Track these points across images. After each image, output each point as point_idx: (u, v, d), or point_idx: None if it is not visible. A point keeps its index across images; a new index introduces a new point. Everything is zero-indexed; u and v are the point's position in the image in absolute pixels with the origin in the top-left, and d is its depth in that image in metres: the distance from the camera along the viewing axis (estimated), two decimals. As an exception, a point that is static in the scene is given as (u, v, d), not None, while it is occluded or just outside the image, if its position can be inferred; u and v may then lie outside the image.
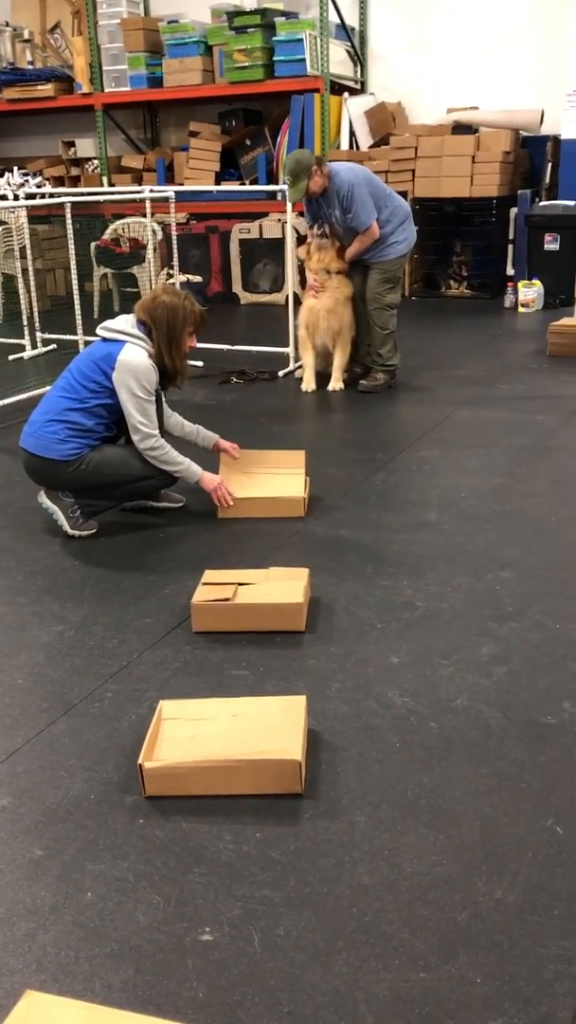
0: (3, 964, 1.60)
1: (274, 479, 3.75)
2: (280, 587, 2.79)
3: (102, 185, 9.81)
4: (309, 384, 5.49)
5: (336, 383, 5.47)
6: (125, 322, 3.39)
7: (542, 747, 2.15)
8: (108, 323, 3.42)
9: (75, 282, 5.99)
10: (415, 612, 2.82)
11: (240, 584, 2.81)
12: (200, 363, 6.25)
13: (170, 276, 7.37)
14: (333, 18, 8.78)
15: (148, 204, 6.59)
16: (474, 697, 2.35)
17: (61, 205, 5.93)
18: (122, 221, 8.52)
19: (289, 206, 6.02)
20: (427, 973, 1.56)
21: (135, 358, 3.30)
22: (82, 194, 6.61)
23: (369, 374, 5.50)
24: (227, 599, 2.73)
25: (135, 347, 3.32)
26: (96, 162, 10.33)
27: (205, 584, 2.83)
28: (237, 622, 2.71)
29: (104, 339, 3.40)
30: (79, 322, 6.02)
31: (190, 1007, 1.50)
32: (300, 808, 1.97)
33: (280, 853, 1.84)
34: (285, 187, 5.90)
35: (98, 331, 3.43)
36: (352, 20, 9.23)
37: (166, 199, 6.39)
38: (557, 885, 1.74)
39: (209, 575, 2.89)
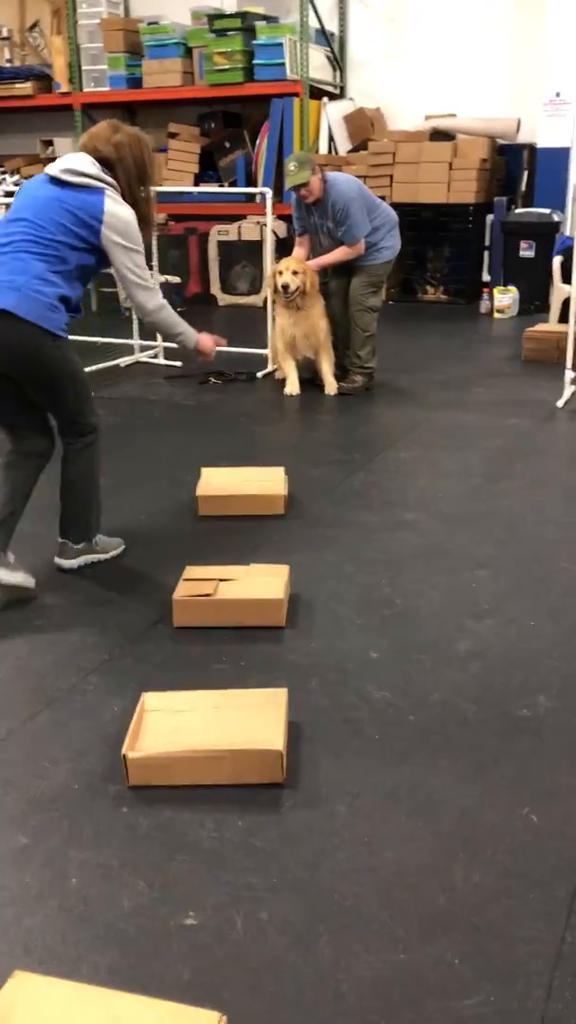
0: (-10, 949, 1.62)
1: (254, 478, 3.79)
2: (261, 583, 2.82)
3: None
4: (293, 388, 5.48)
5: (331, 388, 5.46)
6: (87, 162, 2.82)
7: (517, 738, 2.20)
8: (64, 163, 2.84)
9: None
10: (393, 609, 2.86)
11: (221, 580, 2.84)
12: (179, 363, 6.27)
13: (149, 276, 7.39)
14: (313, 23, 8.84)
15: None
16: (451, 691, 2.40)
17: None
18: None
19: (270, 208, 6.07)
20: (406, 955, 1.60)
21: (122, 208, 2.81)
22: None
23: (347, 376, 5.55)
24: (208, 595, 2.76)
25: (115, 194, 2.83)
26: (75, 162, 10.32)
27: (186, 580, 2.86)
28: (218, 617, 2.74)
29: (68, 183, 2.79)
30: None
31: (175, 988, 1.53)
32: (281, 797, 2.01)
33: (262, 841, 1.88)
34: (267, 191, 5.95)
35: (56, 172, 2.81)
36: (332, 26, 9.29)
37: (146, 199, 6.39)
38: (532, 870, 1.79)
39: (190, 571, 2.93)
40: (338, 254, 5.30)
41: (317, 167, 5.15)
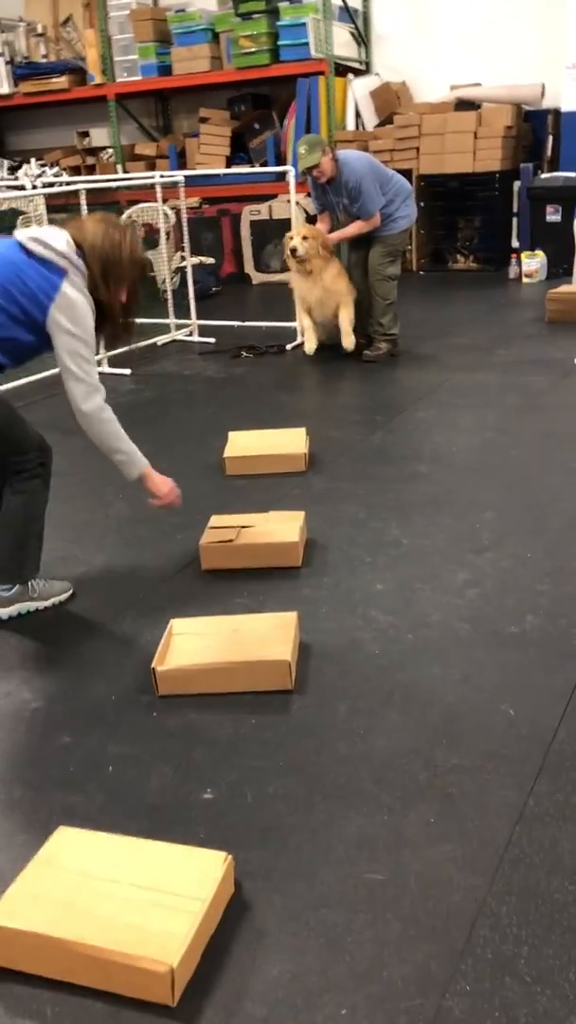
0: (38, 819, 1.94)
1: (276, 438, 4.06)
2: (278, 528, 3.10)
3: (116, 173, 10.11)
4: (311, 345, 5.84)
5: (348, 342, 5.72)
6: (60, 239, 2.59)
7: (504, 651, 2.45)
8: (40, 233, 2.61)
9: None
10: (401, 549, 3.12)
11: (243, 527, 3.13)
12: (212, 339, 6.56)
13: (183, 259, 7.68)
14: (337, 1, 9.00)
15: (159, 189, 6.88)
16: (447, 614, 2.66)
17: (76, 193, 6.24)
18: (136, 207, 8.84)
19: (293, 185, 6.30)
20: (389, 816, 1.88)
21: (79, 295, 2.56)
22: (95, 181, 6.90)
23: (372, 344, 5.78)
24: (231, 540, 3.05)
25: (77, 278, 2.56)
26: (110, 151, 10.64)
27: (212, 528, 3.16)
28: (241, 560, 3.03)
29: (32, 253, 2.56)
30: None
31: (194, 844, 1.83)
32: (290, 701, 2.29)
33: (272, 734, 2.17)
34: (292, 169, 6.19)
35: (26, 240, 2.58)
36: (355, 2, 9.42)
37: (175, 184, 6.68)
38: (506, 751, 2.05)
39: (215, 520, 3.22)
40: (355, 228, 5.52)
41: (327, 148, 5.38)
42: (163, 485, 2.85)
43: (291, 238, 5.56)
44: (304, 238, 5.50)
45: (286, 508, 3.46)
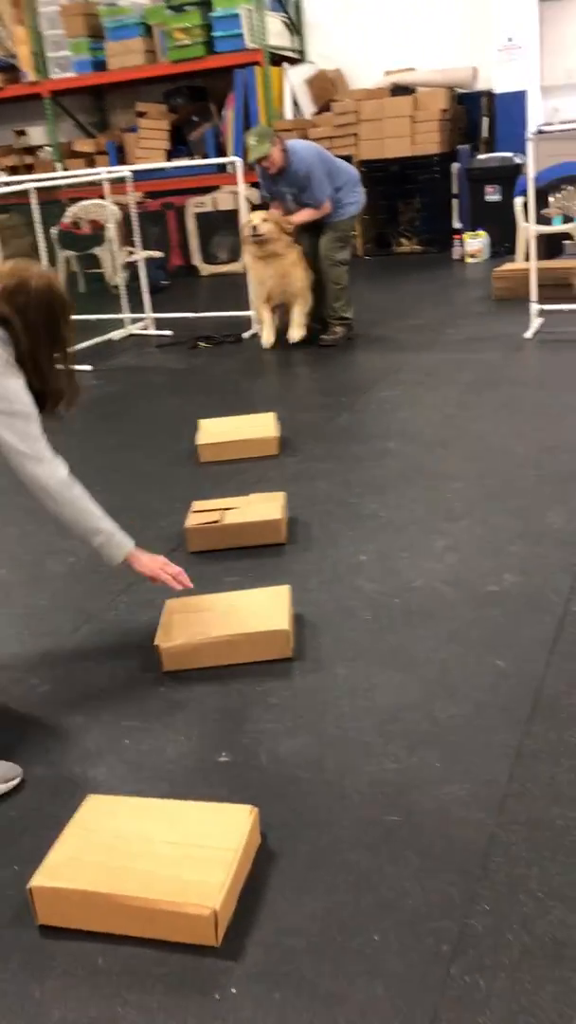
0: (63, 792, 2.02)
1: (247, 423, 4.16)
2: (261, 508, 3.21)
3: (55, 171, 10.07)
4: (269, 339, 5.92)
5: (297, 330, 5.84)
6: None
7: (487, 608, 2.59)
8: None
9: (49, 264, 6.30)
10: (379, 521, 3.25)
11: (226, 509, 3.23)
12: (169, 332, 6.62)
13: (131, 253, 7.72)
14: (267, -9, 9.07)
15: (106, 185, 6.90)
16: (430, 578, 2.79)
17: (23, 193, 6.25)
18: (80, 204, 8.83)
19: (241, 176, 6.38)
20: (397, 764, 2.00)
21: (4, 368, 2.21)
22: (44, 179, 6.91)
23: (328, 329, 5.89)
24: (216, 522, 3.15)
25: (1, 352, 2.22)
26: (48, 148, 10.59)
27: (195, 512, 3.25)
28: (226, 540, 3.13)
29: None
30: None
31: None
32: (291, 668, 2.41)
33: (278, 699, 2.28)
34: (238, 160, 6.27)
35: None
36: (286, -9, 9.51)
37: (123, 179, 6.72)
38: (498, 699, 2.19)
39: (197, 504, 3.31)
40: (306, 214, 5.63)
41: (277, 138, 5.47)
42: (152, 564, 2.46)
43: (250, 221, 5.65)
44: (264, 220, 5.60)
45: (263, 489, 3.56)
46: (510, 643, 2.41)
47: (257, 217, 5.64)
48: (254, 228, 5.58)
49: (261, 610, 2.54)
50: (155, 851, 1.72)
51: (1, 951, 1.64)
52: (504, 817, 1.82)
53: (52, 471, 2.27)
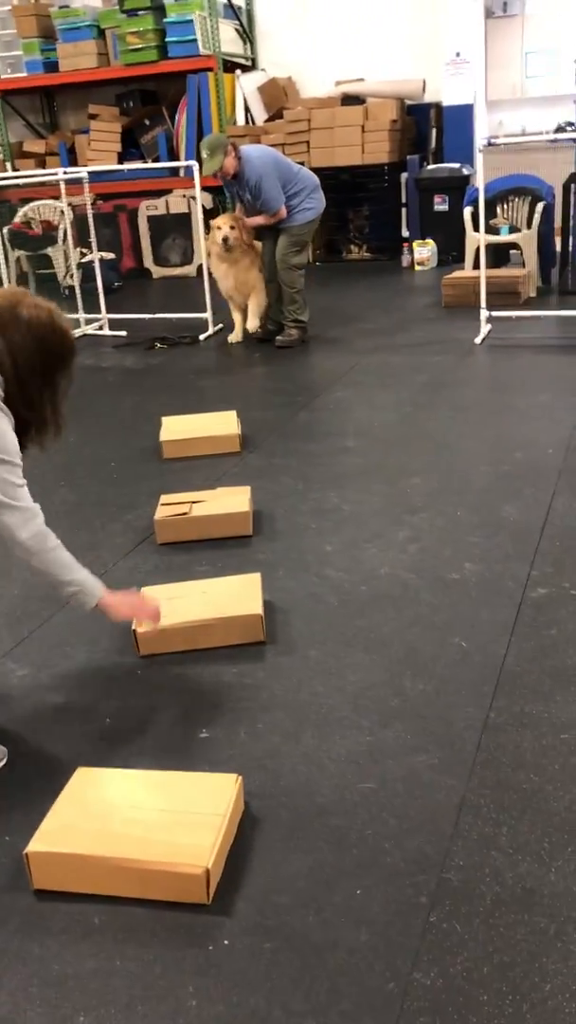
0: (49, 768, 2.09)
1: (209, 421, 4.25)
2: (228, 501, 3.30)
3: (5, 171, 10.03)
4: (236, 336, 6.15)
5: (252, 324, 6.07)
6: None
7: (449, 594, 2.72)
8: None
9: (4, 264, 6.31)
10: (342, 514, 3.36)
11: (194, 502, 3.31)
12: (124, 332, 6.67)
13: (84, 255, 7.74)
14: (220, -2, 9.18)
15: (63, 186, 6.93)
16: (394, 566, 2.91)
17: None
18: (31, 204, 8.82)
19: (198, 180, 6.47)
20: (371, 737, 2.11)
21: None
22: (1, 179, 6.89)
23: (283, 331, 6.01)
24: (185, 514, 3.23)
25: None
26: (-2, 148, 10.53)
27: (163, 504, 3.33)
28: (194, 532, 3.21)
29: None
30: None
31: (199, 775, 2.02)
32: (264, 651, 2.50)
33: (253, 680, 2.37)
34: (193, 164, 6.36)
35: None
36: (238, -1, 9.63)
37: (80, 180, 6.75)
38: (464, 676, 2.31)
39: (165, 498, 3.39)
40: (259, 219, 5.78)
41: (229, 147, 5.59)
42: (126, 605, 2.33)
43: (219, 227, 5.77)
44: (232, 227, 5.73)
45: (227, 484, 3.65)
46: (472, 626, 2.54)
47: (225, 225, 5.77)
48: (224, 239, 5.73)
49: (234, 596, 2.63)
50: (146, 817, 1.80)
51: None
52: (474, 782, 1.94)
53: (25, 521, 2.10)
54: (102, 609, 2.26)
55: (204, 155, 5.59)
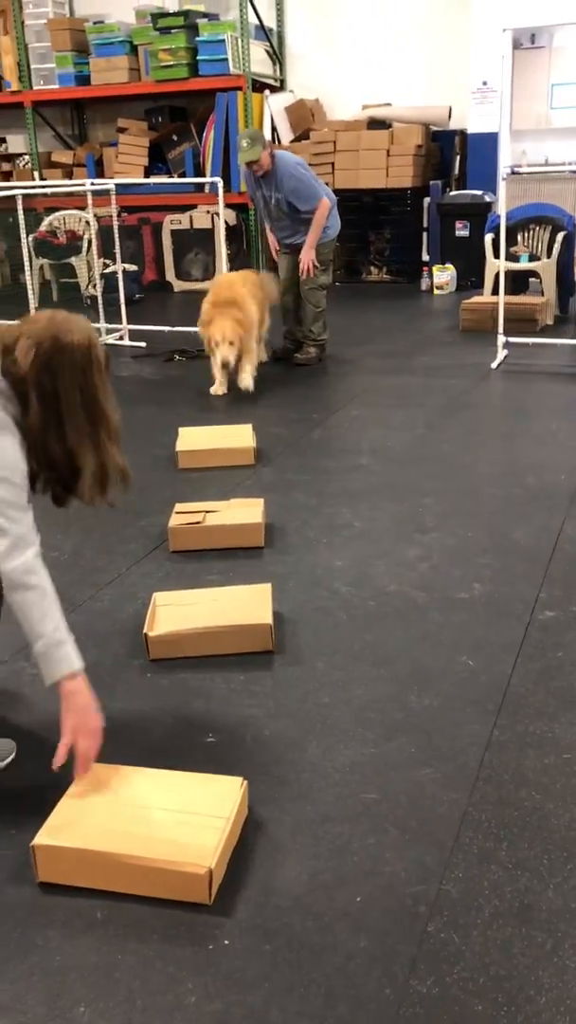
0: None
1: (225, 433, 4.30)
2: (242, 512, 3.34)
3: (33, 180, 10.16)
4: (220, 388, 5.35)
5: (247, 381, 5.31)
6: None
7: (457, 613, 2.75)
8: None
9: (28, 272, 6.40)
10: (353, 530, 3.40)
11: (207, 512, 3.35)
12: (143, 343, 6.74)
13: (107, 265, 7.83)
14: (252, 19, 9.31)
15: (90, 197, 7.02)
16: (403, 584, 2.94)
17: (2, 199, 6.33)
18: (58, 214, 8.93)
19: (222, 197, 6.55)
20: (375, 749, 2.14)
21: None
22: (31, 187, 7.01)
23: (302, 348, 6.06)
24: (198, 523, 3.26)
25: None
26: (27, 158, 10.67)
27: (177, 513, 3.37)
28: (207, 541, 3.25)
29: None
30: (32, 309, 6.45)
31: (204, 778, 2.04)
32: (272, 660, 2.53)
33: (260, 688, 2.40)
34: (219, 180, 6.42)
35: None
36: (270, 21, 9.77)
37: (106, 192, 6.85)
38: (469, 694, 2.33)
39: (180, 507, 3.43)
40: (316, 226, 5.72)
41: (267, 143, 5.67)
42: (78, 713, 1.91)
43: (218, 344, 5.16)
44: (231, 343, 5.13)
45: (240, 496, 3.68)
46: (479, 645, 2.57)
47: (224, 343, 5.13)
48: (225, 364, 5.19)
49: (244, 605, 2.67)
50: (151, 816, 1.83)
51: (3, 905, 1.73)
52: (476, 797, 1.96)
53: (13, 550, 1.85)
54: (61, 691, 1.90)
55: (243, 143, 5.56)
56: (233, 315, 5.17)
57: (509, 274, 6.88)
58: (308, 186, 5.67)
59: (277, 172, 5.63)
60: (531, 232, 7.26)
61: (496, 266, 6.94)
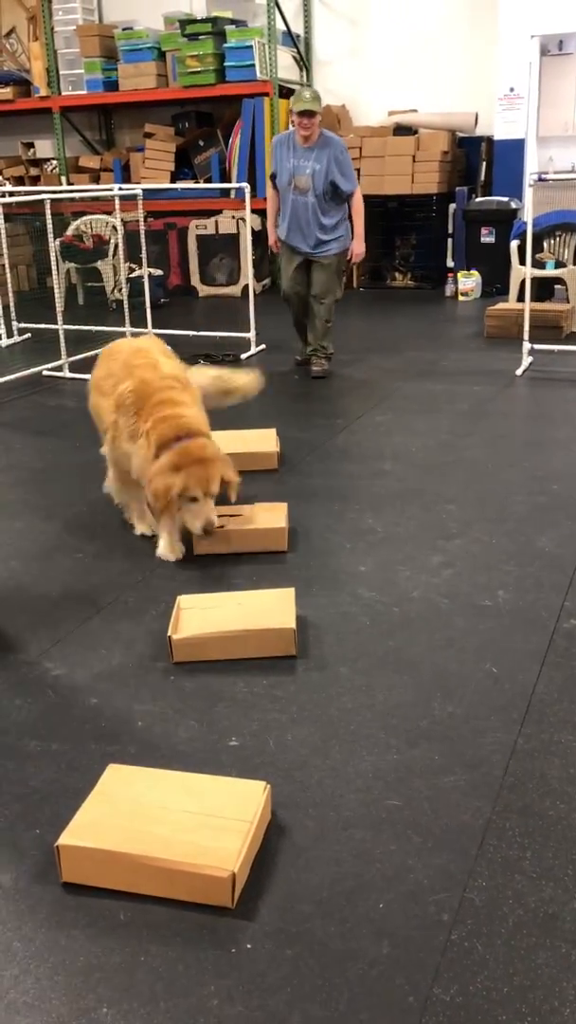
0: (80, 766, 2.13)
1: (248, 437, 4.30)
2: (265, 516, 3.34)
3: (61, 185, 10.24)
4: (173, 553, 3.26)
5: (144, 527, 3.48)
6: None
7: (481, 620, 2.74)
8: None
9: (56, 275, 6.43)
10: (377, 536, 3.39)
11: (231, 516, 3.35)
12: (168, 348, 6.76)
13: (132, 270, 7.87)
14: (280, 26, 9.34)
15: (117, 202, 7.06)
16: (427, 590, 2.94)
17: (27, 203, 6.38)
18: (85, 218, 8.99)
19: (248, 202, 6.56)
20: (398, 755, 2.13)
21: None
22: (60, 191, 7.06)
23: (315, 361, 5.88)
24: (223, 527, 3.27)
25: None
26: (55, 162, 10.76)
27: (201, 516, 3.36)
28: (231, 545, 3.25)
29: None
30: (59, 312, 6.48)
31: (227, 782, 2.04)
32: (296, 665, 2.53)
33: (283, 692, 2.40)
34: (245, 185, 6.38)
35: None
36: (297, 28, 9.79)
37: (133, 197, 6.89)
38: (493, 702, 2.32)
39: (204, 510, 3.43)
40: (359, 216, 5.68)
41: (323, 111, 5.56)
42: None
43: (197, 516, 3.12)
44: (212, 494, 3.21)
45: (264, 501, 3.68)
46: (504, 652, 2.56)
47: (213, 515, 3.11)
48: (206, 529, 3.11)
49: (268, 609, 2.67)
50: (174, 818, 1.83)
51: (28, 904, 1.74)
52: (500, 806, 1.95)
53: None
54: None
55: (307, 95, 5.41)
56: (200, 440, 3.25)
57: (535, 281, 6.86)
58: (352, 167, 5.61)
59: (328, 142, 5.52)
60: (557, 239, 7.23)
61: (522, 273, 6.93)
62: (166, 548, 3.25)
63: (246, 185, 6.67)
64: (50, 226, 6.29)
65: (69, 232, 8.95)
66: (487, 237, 8.73)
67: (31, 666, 2.58)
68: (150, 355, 3.49)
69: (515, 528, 3.41)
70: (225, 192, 9.25)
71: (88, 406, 3.59)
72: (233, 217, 9.18)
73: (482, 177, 9.41)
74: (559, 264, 7.14)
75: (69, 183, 10.28)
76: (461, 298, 8.71)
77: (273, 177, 5.80)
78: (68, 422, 5.05)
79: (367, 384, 5.68)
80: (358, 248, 5.79)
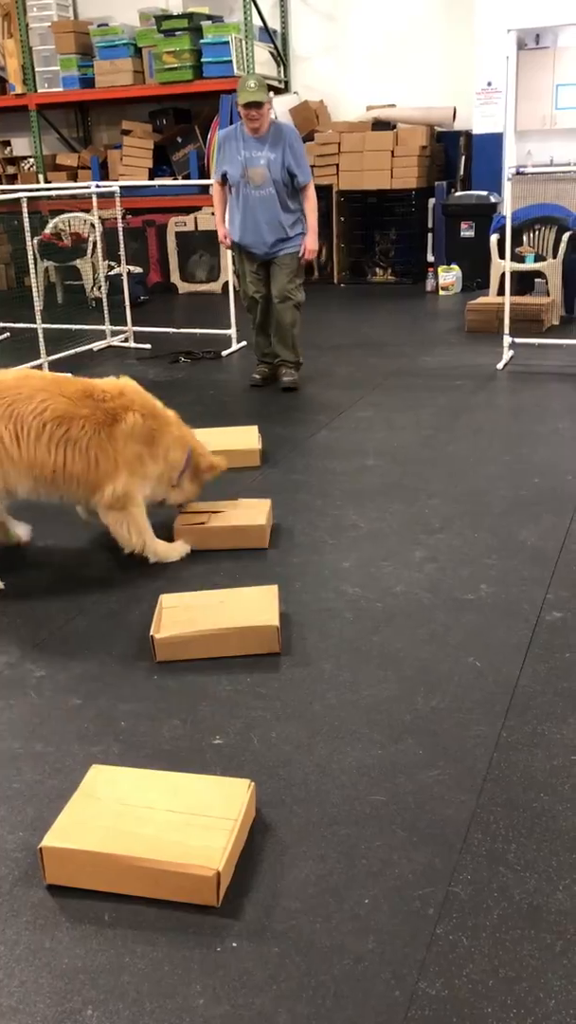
0: (64, 767, 2.11)
1: (230, 435, 4.29)
2: (247, 513, 3.34)
3: (38, 183, 10.18)
4: (175, 551, 3.20)
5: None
6: None
7: (464, 614, 2.74)
8: None
9: (34, 274, 6.37)
10: (360, 531, 3.39)
11: (213, 512, 3.34)
12: (148, 345, 6.74)
13: (111, 267, 7.83)
14: (256, 21, 9.31)
15: (94, 199, 7.03)
16: (410, 585, 2.94)
17: (7, 202, 6.33)
18: (63, 216, 8.94)
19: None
20: (382, 750, 2.13)
21: None
22: (37, 190, 7.01)
23: (284, 371, 5.50)
24: (203, 523, 3.26)
25: None
26: (31, 160, 10.69)
27: (183, 513, 3.36)
28: (212, 541, 3.24)
29: None
30: (38, 311, 6.44)
31: (212, 780, 2.04)
32: (279, 662, 2.52)
33: (267, 689, 2.40)
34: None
35: None
36: (274, 23, 9.77)
37: (111, 194, 6.85)
38: (477, 695, 2.33)
39: (186, 507, 3.42)
40: (312, 211, 5.18)
41: (272, 98, 5.24)
42: None
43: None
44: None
45: (247, 498, 3.68)
46: (487, 646, 2.56)
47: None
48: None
49: (251, 606, 2.66)
50: (158, 818, 1.82)
51: (12, 907, 1.73)
52: (484, 799, 1.95)
53: None
54: None
55: (250, 84, 4.95)
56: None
57: (515, 275, 6.88)
58: (306, 157, 5.21)
59: (280, 130, 5.10)
60: (537, 232, 7.25)
61: (502, 267, 6.94)
62: (166, 548, 3.20)
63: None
64: (27, 224, 6.25)
65: (47, 230, 8.90)
66: (467, 231, 8.75)
67: (13, 667, 2.56)
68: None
69: (497, 522, 3.41)
70: (204, 189, 9.20)
71: None
72: (212, 214, 9.13)
73: (461, 171, 9.42)
74: (539, 258, 7.15)
75: (46, 181, 10.22)
76: (442, 293, 8.72)
77: (224, 177, 5.28)
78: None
79: (348, 380, 5.68)
80: (311, 244, 5.26)
